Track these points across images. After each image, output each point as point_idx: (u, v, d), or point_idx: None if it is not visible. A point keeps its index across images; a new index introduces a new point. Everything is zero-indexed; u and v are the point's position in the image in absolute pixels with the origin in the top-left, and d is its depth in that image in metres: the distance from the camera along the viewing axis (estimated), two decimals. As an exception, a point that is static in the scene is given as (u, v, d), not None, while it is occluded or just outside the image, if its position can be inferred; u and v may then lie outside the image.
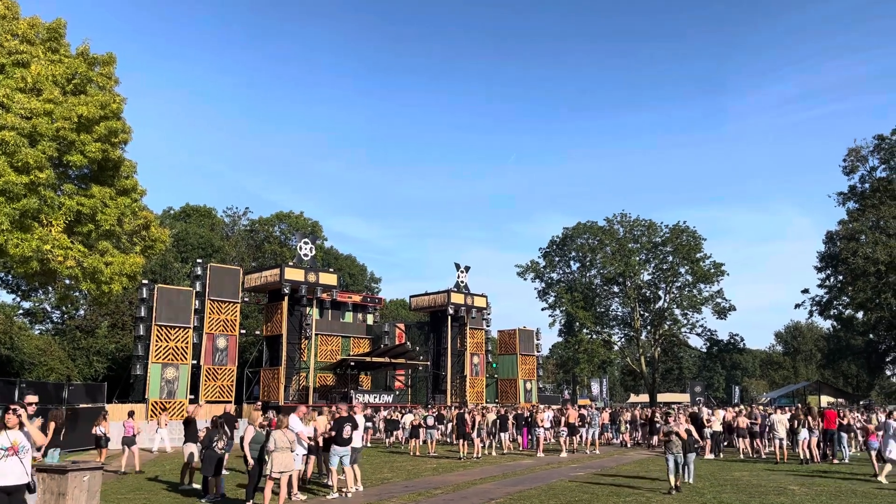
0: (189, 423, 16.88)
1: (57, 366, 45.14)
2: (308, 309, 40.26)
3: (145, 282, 34.40)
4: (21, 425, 7.71)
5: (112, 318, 48.77)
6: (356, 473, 15.12)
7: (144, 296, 34.49)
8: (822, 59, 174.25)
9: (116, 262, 21.66)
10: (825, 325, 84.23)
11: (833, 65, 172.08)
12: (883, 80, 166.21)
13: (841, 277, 56.05)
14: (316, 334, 42.42)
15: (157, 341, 34.15)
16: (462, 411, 25.50)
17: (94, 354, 47.38)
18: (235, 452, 16.43)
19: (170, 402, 33.76)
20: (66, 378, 42.53)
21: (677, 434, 14.43)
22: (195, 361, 35.62)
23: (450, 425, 30.95)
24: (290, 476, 13.23)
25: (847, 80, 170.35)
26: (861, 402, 56.29)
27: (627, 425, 31.79)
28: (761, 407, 32.86)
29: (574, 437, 26.92)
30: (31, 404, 11.22)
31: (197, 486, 15.54)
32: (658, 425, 25.98)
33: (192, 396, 35.01)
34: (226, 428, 14.55)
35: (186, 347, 35.11)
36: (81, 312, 50.54)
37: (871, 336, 66.59)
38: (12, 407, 7.85)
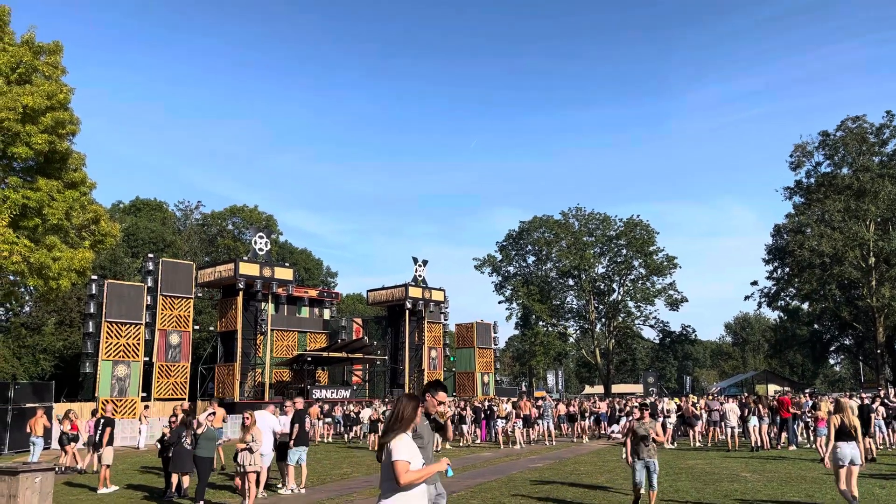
0: (110, 424, 16.59)
1: (1, 364, 43.72)
2: (263, 304, 39.75)
3: (94, 277, 33.47)
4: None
5: (60, 314, 47.41)
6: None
7: (94, 292, 33.59)
8: (763, 60, 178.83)
9: (65, 257, 21.07)
10: (772, 315, 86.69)
11: (775, 66, 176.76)
12: (827, 79, 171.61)
13: (788, 270, 57.72)
14: (272, 330, 41.99)
15: (107, 338, 33.29)
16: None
17: (41, 352, 46.00)
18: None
19: (121, 401, 32.98)
20: (11, 377, 41.21)
21: (654, 439, 11.52)
22: (147, 358, 34.87)
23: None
24: (258, 474, 12.97)
25: (791, 79, 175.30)
26: (806, 391, 58.07)
27: (584, 416, 32.10)
28: (711, 397, 33.67)
29: (531, 430, 27.15)
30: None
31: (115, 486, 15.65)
32: (624, 418, 26.18)
33: (145, 394, 34.31)
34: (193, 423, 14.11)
35: (138, 344, 34.30)
36: (27, 309, 49.03)
37: (815, 326, 68.86)
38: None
